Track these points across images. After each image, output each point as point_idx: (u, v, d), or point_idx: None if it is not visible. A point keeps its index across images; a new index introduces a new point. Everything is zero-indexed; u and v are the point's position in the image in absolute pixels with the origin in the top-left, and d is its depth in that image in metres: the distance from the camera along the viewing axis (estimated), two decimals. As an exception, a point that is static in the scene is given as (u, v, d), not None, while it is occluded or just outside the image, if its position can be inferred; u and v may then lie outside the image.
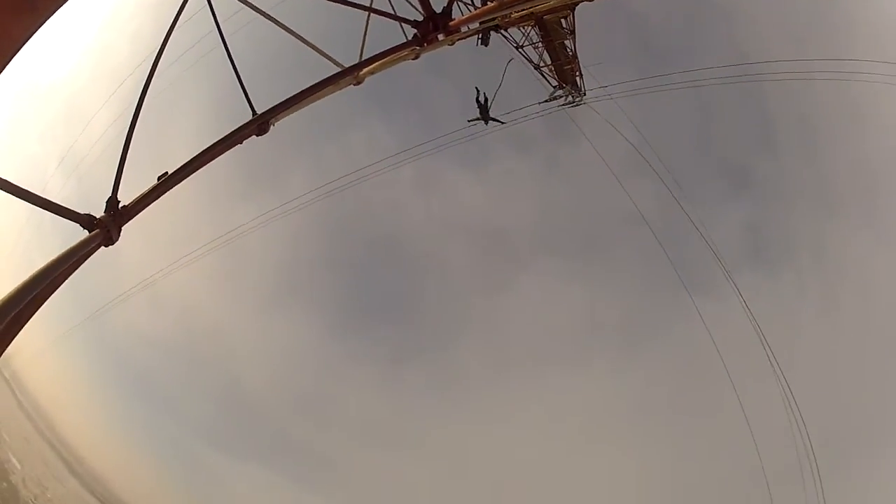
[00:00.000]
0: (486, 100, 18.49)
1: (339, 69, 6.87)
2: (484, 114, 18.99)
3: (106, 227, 4.46)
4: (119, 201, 4.59)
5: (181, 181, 5.13)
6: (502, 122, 19.33)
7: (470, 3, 10.11)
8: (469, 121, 19.37)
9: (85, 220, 4.32)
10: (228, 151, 5.72)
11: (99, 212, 4.57)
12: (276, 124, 6.28)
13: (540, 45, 15.70)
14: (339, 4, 7.33)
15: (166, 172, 5.08)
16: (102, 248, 4.45)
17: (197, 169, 5.30)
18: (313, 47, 7.15)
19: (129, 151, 4.84)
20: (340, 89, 7.32)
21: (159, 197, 4.96)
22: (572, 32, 14.62)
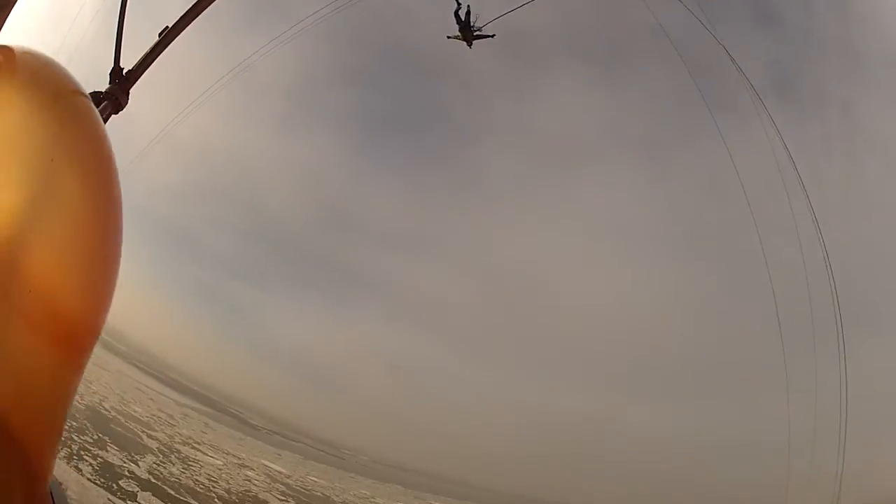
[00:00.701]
0: (468, 14, 15.63)
1: None
2: (466, 31, 16.14)
3: (113, 95, 4.01)
4: (122, 68, 4.13)
5: (183, 30, 4.50)
6: (490, 36, 16.69)
7: None
8: (448, 37, 16.68)
9: (91, 98, 3.79)
10: (228, -10, 4.94)
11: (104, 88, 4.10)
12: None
13: None
14: None
15: (167, 27, 4.61)
16: (114, 116, 3.98)
17: (198, 14, 4.58)
18: None
19: (125, 17, 4.28)
20: None
21: (162, 52, 4.38)
22: None
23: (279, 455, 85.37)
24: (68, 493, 34.61)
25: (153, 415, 70.27)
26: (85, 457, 43.15)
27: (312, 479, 77.91)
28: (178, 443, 64.06)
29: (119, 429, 55.95)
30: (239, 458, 71.05)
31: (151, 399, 79.95)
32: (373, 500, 79.67)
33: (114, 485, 41.17)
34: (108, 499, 38.00)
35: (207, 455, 65.21)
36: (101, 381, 70.96)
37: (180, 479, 51.75)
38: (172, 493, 47.00)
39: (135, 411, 66.12)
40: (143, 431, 59.79)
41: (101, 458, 45.10)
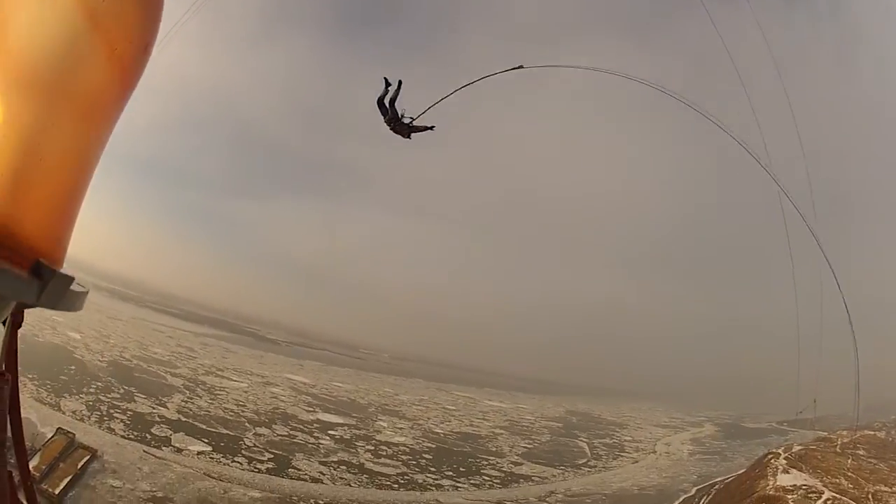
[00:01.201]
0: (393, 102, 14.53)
1: None
2: (397, 124, 15.16)
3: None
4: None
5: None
6: (430, 128, 15.15)
7: None
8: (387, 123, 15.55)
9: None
10: None
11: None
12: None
13: None
14: None
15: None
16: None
17: None
18: None
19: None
20: None
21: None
22: None
23: (301, 366, 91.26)
24: (105, 457, 38.31)
25: (173, 352, 74.15)
26: (115, 415, 46.93)
27: (336, 384, 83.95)
28: (202, 374, 68.38)
29: (143, 375, 59.82)
30: (262, 377, 76.08)
31: (169, 336, 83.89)
32: (396, 396, 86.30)
33: (147, 434, 45.23)
34: (144, 451, 41.86)
35: (232, 380, 70.02)
36: (117, 332, 74.35)
37: (209, 411, 56.33)
38: (203, 426, 51.49)
39: (155, 353, 69.89)
40: (166, 372, 63.80)
41: (130, 411, 48.98)
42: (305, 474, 48.95)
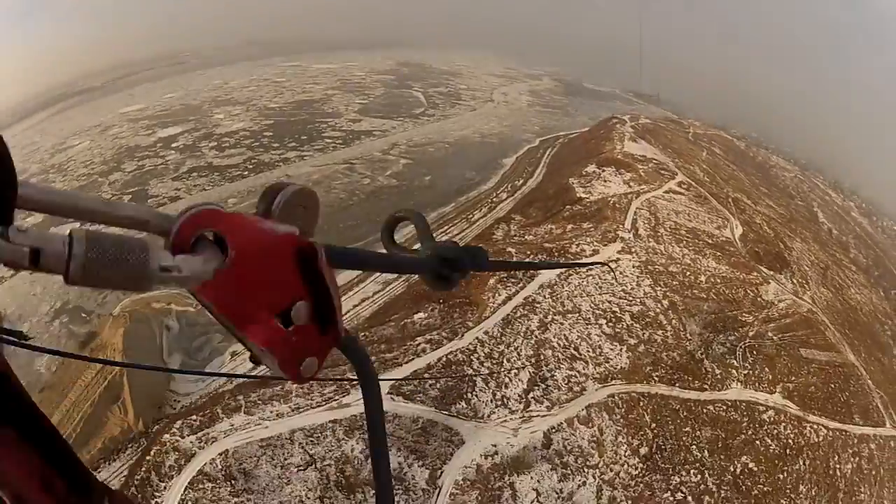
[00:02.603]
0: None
1: None
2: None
3: None
4: None
5: None
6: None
7: None
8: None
9: None
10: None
11: None
12: None
13: None
14: None
15: None
16: None
17: None
18: None
19: None
20: None
21: None
22: None
23: (131, 95, 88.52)
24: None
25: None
26: None
27: (167, 97, 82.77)
28: (49, 159, 68.71)
29: None
30: (99, 125, 76.45)
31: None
32: (226, 85, 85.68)
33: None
34: None
35: (74, 146, 71.31)
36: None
37: (68, 186, 60.64)
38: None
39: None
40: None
41: None
42: (164, 196, 53.29)
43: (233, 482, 23.12)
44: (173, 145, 65.79)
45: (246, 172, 59.27)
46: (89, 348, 33.10)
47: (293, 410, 25.96)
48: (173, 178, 57.90)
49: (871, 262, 66.71)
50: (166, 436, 24.91)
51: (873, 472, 32.56)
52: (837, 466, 31.40)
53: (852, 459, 32.28)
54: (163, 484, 23.12)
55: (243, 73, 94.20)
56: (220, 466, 22.99)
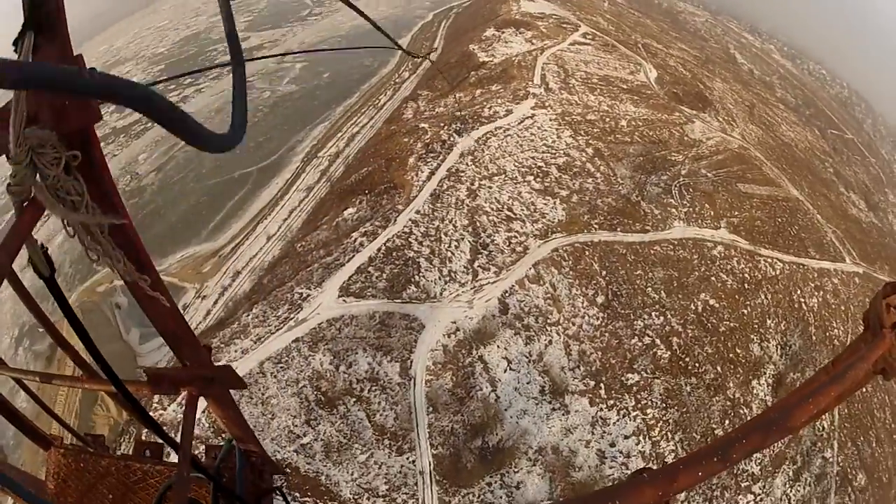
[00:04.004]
0: None
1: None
2: None
3: None
4: None
5: None
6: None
7: None
8: None
9: None
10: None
11: None
12: None
13: None
14: None
15: None
16: None
17: None
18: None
19: None
20: None
21: None
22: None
23: None
24: None
25: None
26: None
27: None
28: None
29: None
30: None
31: None
32: None
33: None
34: None
35: None
36: None
37: None
38: None
39: None
40: None
41: None
42: None
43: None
44: (73, 121, 62.17)
45: (149, 123, 56.64)
46: (56, 360, 32.67)
47: (256, 342, 25.70)
48: (82, 151, 55.59)
49: (800, 101, 65.99)
50: (150, 413, 24.78)
51: (842, 308, 33.13)
52: (802, 300, 31.93)
53: (816, 294, 32.80)
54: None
55: (126, 30, 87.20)
56: (206, 425, 22.43)
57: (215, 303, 32.54)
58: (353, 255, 29.09)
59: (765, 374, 28.39)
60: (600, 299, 27.96)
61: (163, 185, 42.58)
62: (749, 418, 27.00)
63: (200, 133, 1.16)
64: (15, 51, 1.51)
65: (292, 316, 26.47)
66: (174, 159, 44.21)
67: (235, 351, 25.53)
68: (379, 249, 29.18)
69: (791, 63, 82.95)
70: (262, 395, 24.06)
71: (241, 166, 40.10)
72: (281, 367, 24.75)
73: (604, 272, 29.05)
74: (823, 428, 28.66)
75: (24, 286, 2.65)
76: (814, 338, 30.51)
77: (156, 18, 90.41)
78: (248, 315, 27.54)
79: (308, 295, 27.34)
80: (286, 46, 65.52)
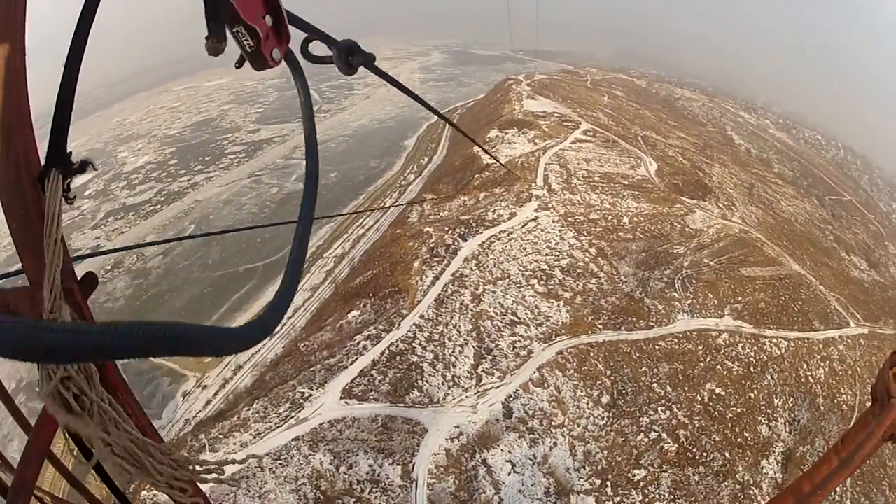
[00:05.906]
0: None
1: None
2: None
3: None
4: None
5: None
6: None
7: None
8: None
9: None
10: None
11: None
12: None
13: None
14: None
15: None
16: None
17: None
18: None
19: None
20: None
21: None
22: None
23: None
24: None
25: None
26: None
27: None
28: None
29: None
30: None
31: None
32: (125, 121, 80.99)
33: None
34: None
35: None
36: None
37: None
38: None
39: None
40: None
41: None
42: (87, 248, 50.77)
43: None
44: (86, 193, 63.90)
45: (158, 206, 58.49)
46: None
47: (255, 437, 25.71)
48: (92, 228, 56.23)
49: (797, 173, 68.13)
50: (143, 493, 23.91)
51: (849, 372, 33.15)
52: (808, 374, 31.92)
53: (822, 364, 32.84)
54: (150, 548, 22.44)
55: (140, 106, 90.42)
56: (166, 523, 22.08)
57: (216, 394, 32.76)
58: (357, 358, 29.37)
59: (774, 452, 28.05)
60: (605, 399, 28.04)
61: (168, 270, 43.30)
62: (759, 499, 25.48)
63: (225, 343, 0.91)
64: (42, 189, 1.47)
65: (293, 414, 26.55)
66: (181, 245, 45.28)
67: (234, 444, 25.51)
68: (382, 353, 29.48)
69: (787, 135, 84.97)
70: (260, 489, 23.79)
71: (247, 261, 41.04)
72: (280, 464, 24.61)
73: (608, 372, 29.23)
74: (836, 491, 27.76)
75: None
76: (822, 408, 30.35)
77: (169, 98, 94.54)
78: (249, 409, 27.42)
79: (310, 395, 27.49)
80: (295, 142, 67.62)
